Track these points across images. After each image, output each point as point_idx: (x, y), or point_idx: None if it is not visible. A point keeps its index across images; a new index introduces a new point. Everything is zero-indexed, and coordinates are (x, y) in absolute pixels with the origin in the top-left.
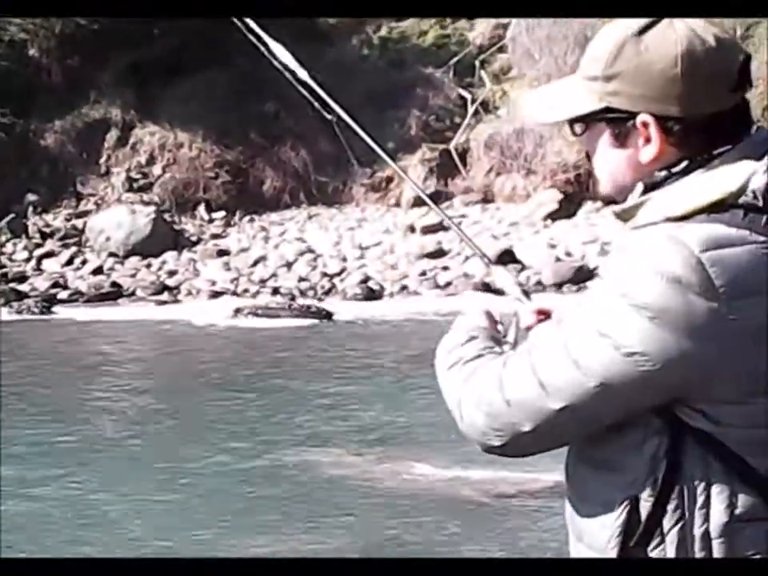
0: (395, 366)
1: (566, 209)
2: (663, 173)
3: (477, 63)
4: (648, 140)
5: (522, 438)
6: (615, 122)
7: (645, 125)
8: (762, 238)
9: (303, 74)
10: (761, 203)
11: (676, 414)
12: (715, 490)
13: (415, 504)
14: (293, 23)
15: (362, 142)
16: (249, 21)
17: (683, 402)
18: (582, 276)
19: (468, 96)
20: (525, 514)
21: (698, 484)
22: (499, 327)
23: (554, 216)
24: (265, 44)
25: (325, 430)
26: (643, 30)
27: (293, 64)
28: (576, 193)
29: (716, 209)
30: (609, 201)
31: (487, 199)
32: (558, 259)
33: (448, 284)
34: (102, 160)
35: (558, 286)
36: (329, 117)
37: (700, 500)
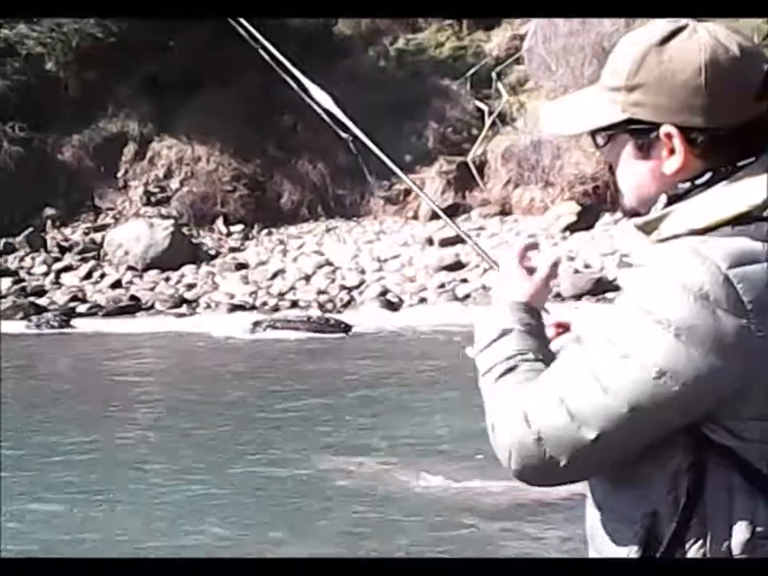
0: (414, 377)
1: (584, 220)
2: (687, 184)
3: (493, 75)
4: (672, 151)
5: (555, 470)
6: (638, 133)
7: (668, 136)
8: None
9: (319, 95)
10: None
11: (701, 431)
12: (737, 506)
13: (430, 514)
14: (310, 35)
15: (378, 158)
16: (265, 42)
17: (711, 419)
18: (601, 287)
19: (485, 108)
20: (539, 524)
21: (720, 500)
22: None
23: (572, 228)
24: (281, 64)
25: (345, 440)
26: (665, 40)
27: (308, 84)
28: (594, 204)
29: (740, 221)
30: (632, 214)
31: (505, 211)
32: (576, 271)
33: (467, 296)
34: (120, 174)
35: (577, 297)
36: (344, 135)
37: (722, 516)
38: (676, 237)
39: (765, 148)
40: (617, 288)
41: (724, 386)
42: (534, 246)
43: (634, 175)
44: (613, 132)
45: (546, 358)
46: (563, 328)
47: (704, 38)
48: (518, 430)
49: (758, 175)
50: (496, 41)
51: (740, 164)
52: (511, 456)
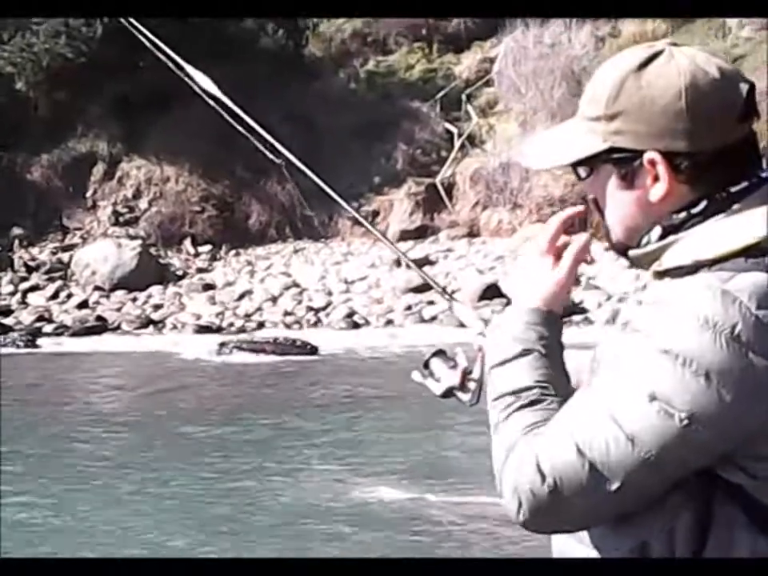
0: (379, 398)
1: None
2: (683, 215)
3: (463, 97)
4: (656, 178)
5: (571, 520)
6: (621, 162)
7: (652, 163)
8: None
9: (250, 120)
10: None
11: (710, 469)
12: (738, 543)
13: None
14: (281, 57)
15: (316, 184)
16: (196, 73)
17: (726, 458)
18: (567, 310)
19: (454, 130)
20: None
21: (721, 537)
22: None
23: None
24: (211, 95)
25: (307, 460)
26: (643, 65)
27: (239, 110)
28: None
29: (749, 253)
30: (620, 248)
31: (473, 233)
32: None
33: (433, 318)
34: (89, 194)
35: None
36: (277, 161)
37: (721, 553)
38: (680, 268)
39: (752, 170)
40: (583, 310)
41: (749, 428)
42: (560, 235)
43: (620, 206)
44: (595, 163)
45: (563, 382)
46: None
47: (682, 62)
48: (529, 479)
49: (761, 205)
50: (466, 63)
51: (733, 190)
52: (521, 506)
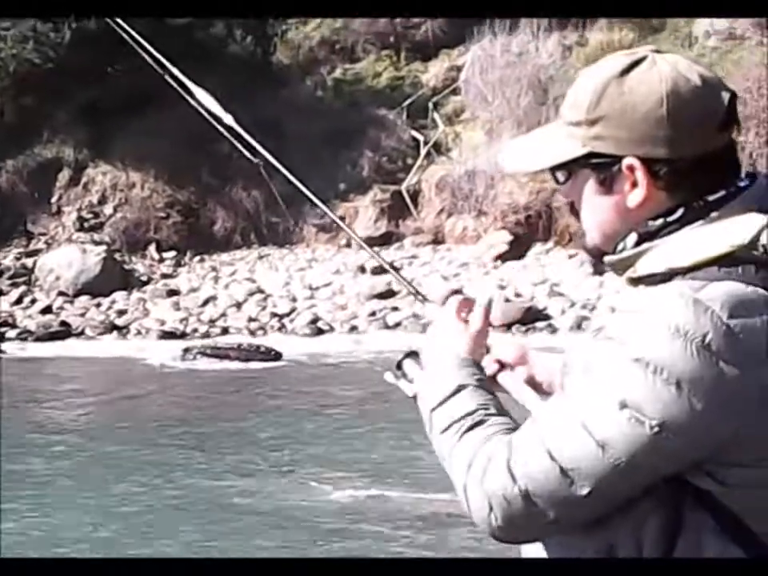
0: (344, 404)
1: (516, 250)
2: (659, 221)
3: (430, 105)
4: (635, 184)
5: (540, 527)
6: (600, 167)
7: (631, 168)
8: None
9: (228, 119)
10: None
11: (679, 475)
12: (706, 549)
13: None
14: (249, 64)
15: (314, 183)
16: (173, 69)
17: (696, 464)
18: (531, 316)
19: (420, 138)
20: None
21: (689, 541)
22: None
23: (503, 257)
24: (188, 90)
25: (271, 465)
26: (625, 71)
27: (217, 109)
28: (526, 234)
29: (724, 262)
30: (596, 252)
31: (438, 240)
32: (507, 300)
33: (397, 324)
34: (54, 199)
35: (508, 326)
36: (255, 161)
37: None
38: (654, 275)
39: (730, 179)
40: (547, 317)
41: (720, 436)
42: (469, 302)
43: (597, 211)
44: (574, 167)
45: (505, 411)
46: (501, 365)
47: (664, 69)
48: (500, 484)
49: (738, 214)
50: (433, 71)
51: (710, 198)
52: (491, 513)
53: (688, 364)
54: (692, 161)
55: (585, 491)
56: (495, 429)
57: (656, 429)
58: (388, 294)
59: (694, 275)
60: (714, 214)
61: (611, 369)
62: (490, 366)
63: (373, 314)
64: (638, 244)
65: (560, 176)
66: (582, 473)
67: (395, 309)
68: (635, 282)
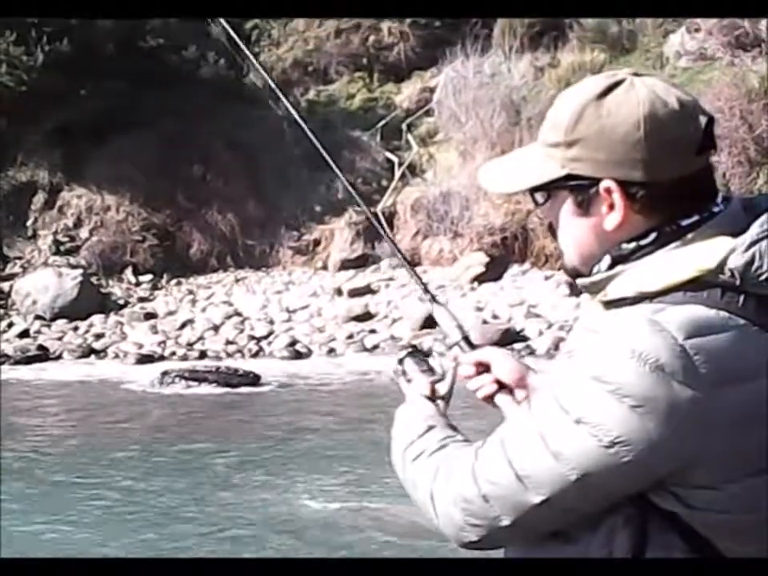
0: (322, 427)
1: (493, 271)
2: (632, 245)
3: (404, 126)
4: (612, 207)
5: (499, 532)
6: (578, 189)
7: (608, 191)
8: (741, 322)
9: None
10: (738, 282)
11: (644, 496)
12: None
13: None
14: (221, 85)
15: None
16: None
17: (657, 485)
18: (509, 338)
19: (395, 159)
20: None
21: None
22: (436, 373)
23: (480, 278)
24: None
25: (253, 484)
26: (604, 94)
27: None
28: (502, 256)
29: (692, 286)
30: (574, 273)
31: (414, 262)
32: (484, 321)
33: (375, 347)
34: (29, 223)
35: None
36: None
37: None
38: (624, 300)
39: (706, 204)
40: (524, 338)
41: (676, 457)
42: (439, 380)
43: (575, 233)
44: (553, 189)
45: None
46: (484, 368)
47: (642, 92)
48: (464, 485)
49: (708, 238)
50: (406, 93)
51: (684, 223)
52: (454, 517)
53: (642, 385)
54: (669, 184)
55: (537, 499)
56: (462, 444)
57: (609, 446)
58: (365, 316)
59: (661, 299)
60: (686, 238)
61: (570, 385)
62: (489, 386)
63: (350, 336)
64: (611, 267)
65: (539, 197)
66: (535, 481)
67: (373, 331)
68: (607, 305)
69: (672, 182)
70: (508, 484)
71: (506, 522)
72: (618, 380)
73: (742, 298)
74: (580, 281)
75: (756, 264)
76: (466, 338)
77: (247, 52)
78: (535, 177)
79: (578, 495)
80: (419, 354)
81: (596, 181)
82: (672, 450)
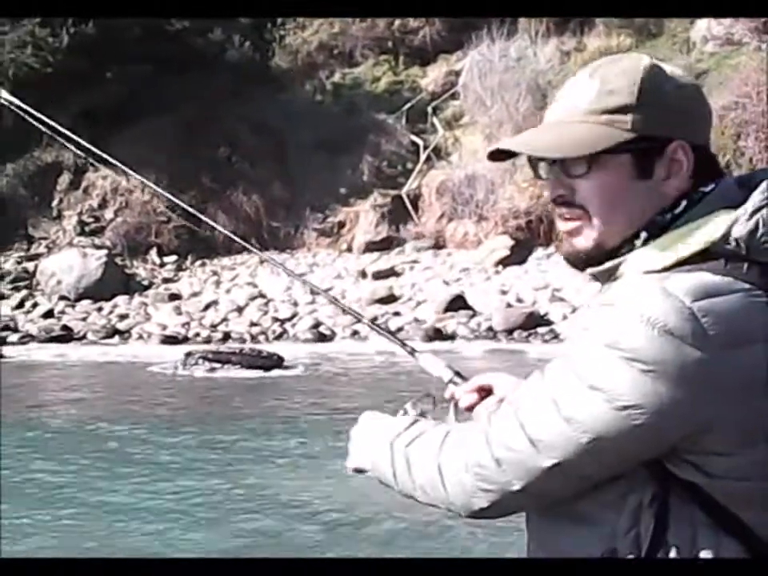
0: (345, 407)
1: (517, 255)
2: (667, 216)
3: (429, 110)
4: (675, 168)
5: (510, 497)
6: (643, 152)
7: (680, 149)
8: (747, 285)
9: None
10: (744, 251)
11: (664, 466)
12: (701, 541)
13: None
14: (247, 69)
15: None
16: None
17: (675, 454)
18: (533, 322)
19: (420, 142)
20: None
21: (683, 536)
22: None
23: (504, 262)
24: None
25: (269, 468)
26: (654, 66)
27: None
28: (527, 239)
29: (697, 259)
30: (578, 260)
31: (439, 245)
32: (508, 305)
33: (399, 329)
34: (54, 203)
35: (509, 332)
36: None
37: (684, 553)
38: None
39: (722, 174)
40: (549, 322)
41: (689, 421)
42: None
43: (635, 199)
44: (603, 157)
45: None
46: (485, 392)
47: (677, 68)
48: (478, 452)
49: (711, 212)
50: (432, 76)
51: (706, 190)
52: (466, 483)
53: (652, 349)
54: (704, 150)
55: (549, 463)
56: (463, 423)
57: (621, 410)
58: (389, 298)
59: (672, 271)
60: (693, 211)
61: (584, 353)
62: (468, 397)
63: (374, 318)
64: (646, 241)
65: (579, 169)
66: (548, 444)
67: (396, 314)
68: (623, 281)
69: (705, 149)
70: (521, 448)
71: (517, 486)
72: (629, 345)
73: (745, 265)
74: (590, 270)
75: (760, 231)
76: (458, 373)
77: None
78: (598, 142)
79: (591, 459)
80: (423, 400)
81: (666, 142)
82: (684, 414)
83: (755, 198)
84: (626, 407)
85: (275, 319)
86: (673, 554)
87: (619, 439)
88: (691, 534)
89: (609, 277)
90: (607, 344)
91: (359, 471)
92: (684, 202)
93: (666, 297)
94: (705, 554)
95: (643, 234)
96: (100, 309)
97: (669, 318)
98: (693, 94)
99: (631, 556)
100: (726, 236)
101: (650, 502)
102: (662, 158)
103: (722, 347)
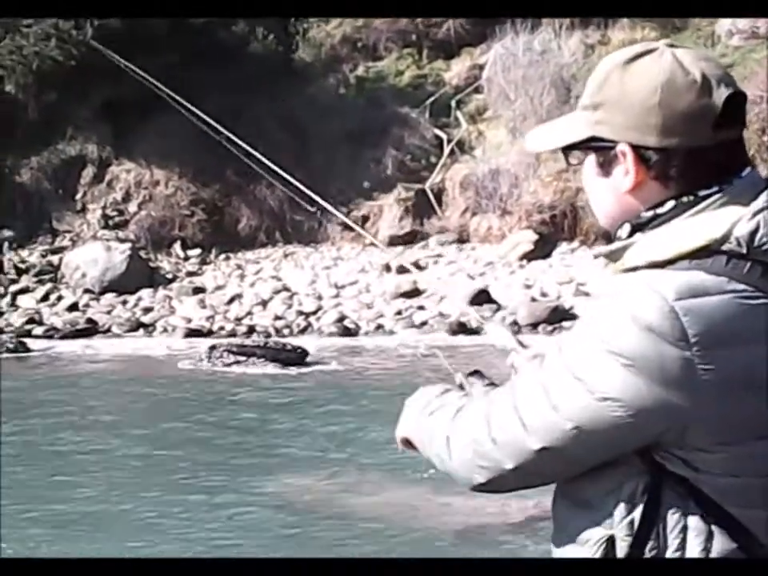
0: (370, 400)
1: (541, 249)
2: (649, 213)
3: (453, 103)
4: (627, 170)
5: (505, 475)
6: (600, 150)
7: (623, 154)
8: (740, 287)
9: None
10: (744, 250)
11: (654, 459)
12: (691, 533)
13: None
14: (270, 62)
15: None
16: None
17: (660, 447)
18: (557, 316)
19: (444, 136)
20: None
21: (674, 527)
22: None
23: (529, 256)
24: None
25: (294, 464)
26: (630, 60)
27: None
28: (551, 233)
29: (699, 255)
30: (608, 236)
31: (462, 239)
32: (533, 299)
33: (424, 323)
34: (78, 196)
35: (533, 326)
36: (311, 209)
37: (675, 543)
38: (636, 269)
39: (728, 177)
40: (573, 316)
41: (668, 416)
42: None
43: (599, 195)
44: (582, 149)
45: None
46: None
47: (666, 61)
48: (478, 430)
49: (719, 208)
50: (455, 70)
51: (702, 194)
52: (466, 458)
53: (634, 344)
54: (684, 154)
55: (537, 446)
56: (481, 395)
57: (603, 402)
58: (414, 292)
59: (671, 267)
60: (699, 208)
61: (574, 345)
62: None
63: (399, 312)
64: (630, 234)
65: (572, 159)
66: (536, 428)
67: (421, 308)
68: (623, 273)
69: (688, 152)
70: (513, 429)
71: (510, 465)
72: (612, 339)
73: (748, 265)
74: (599, 249)
75: (761, 232)
76: (521, 342)
77: None
78: (565, 138)
79: (575, 446)
80: (472, 376)
81: (615, 144)
82: (662, 409)
83: (761, 199)
84: (605, 399)
85: (299, 313)
86: (663, 543)
87: (600, 429)
88: (682, 526)
89: (616, 259)
90: (593, 337)
91: (406, 444)
92: (671, 203)
93: (650, 294)
94: (695, 547)
95: (626, 226)
96: (124, 302)
97: (650, 315)
98: (652, 94)
99: (625, 543)
100: (727, 235)
101: (642, 492)
102: (616, 159)
103: (703, 347)
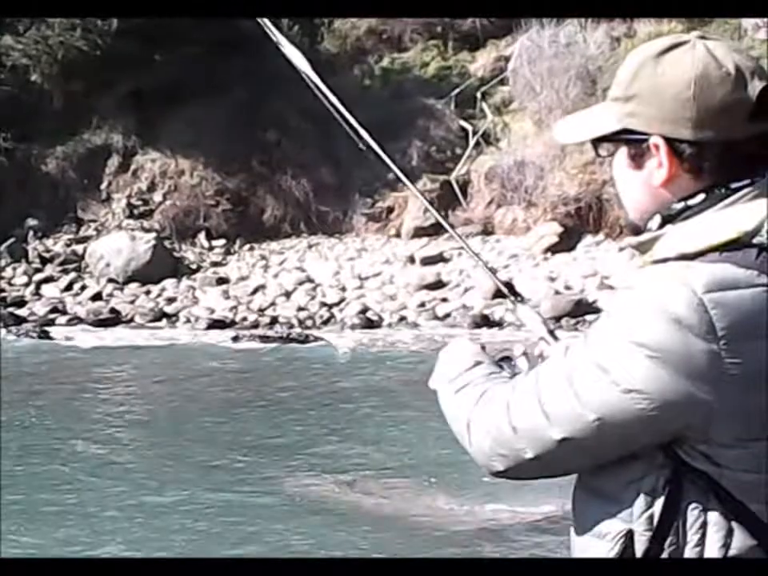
0: (392, 392)
1: (566, 242)
2: (680, 205)
3: (478, 95)
4: (660, 163)
5: (524, 464)
6: (632, 143)
7: (657, 147)
8: None
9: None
10: None
11: (677, 453)
12: (711, 529)
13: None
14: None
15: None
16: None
17: (683, 441)
18: (581, 309)
19: (469, 127)
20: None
21: (694, 522)
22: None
23: (553, 249)
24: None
25: (320, 457)
26: (663, 53)
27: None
28: (576, 226)
29: (730, 247)
30: (635, 229)
31: (487, 231)
32: (557, 292)
33: (447, 315)
34: (103, 186)
35: (557, 319)
36: (361, 147)
37: (695, 538)
38: (666, 260)
39: (761, 170)
40: (597, 310)
41: (693, 410)
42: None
43: (630, 187)
44: (613, 142)
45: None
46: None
47: (700, 53)
48: (499, 418)
49: (751, 201)
50: (481, 61)
51: (734, 186)
52: (485, 445)
53: (660, 336)
54: (717, 146)
55: (559, 436)
56: (505, 381)
57: (626, 393)
58: (437, 284)
59: (701, 259)
60: (730, 200)
61: (600, 335)
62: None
63: (422, 304)
64: (661, 226)
65: (602, 151)
66: (558, 418)
67: (444, 300)
68: (653, 265)
69: (721, 145)
70: (534, 418)
71: (530, 454)
72: (638, 331)
73: None
74: (629, 240)
75: None
76: (552, 332)
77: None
78: (595, 129)
79: (597, 437)
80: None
81: (647, 136)
82: (687, 402)
83: None
84: (630, 390)
85: (323, 304)
86: (683, 539)
87: (623, 421)
88: (702, 521)
89: (646, 250)
90: (619, 327)
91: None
92: (702, 196)
93: (679, 286)
94: (715, 543)
95: (657, 218)
96: (148, 292)
97: (678, 307)
98: (686, 87)
99: (644, 538)
100: (758, 228)
101: (663, 486)
102: (648, 152)
103: (730, 340)
